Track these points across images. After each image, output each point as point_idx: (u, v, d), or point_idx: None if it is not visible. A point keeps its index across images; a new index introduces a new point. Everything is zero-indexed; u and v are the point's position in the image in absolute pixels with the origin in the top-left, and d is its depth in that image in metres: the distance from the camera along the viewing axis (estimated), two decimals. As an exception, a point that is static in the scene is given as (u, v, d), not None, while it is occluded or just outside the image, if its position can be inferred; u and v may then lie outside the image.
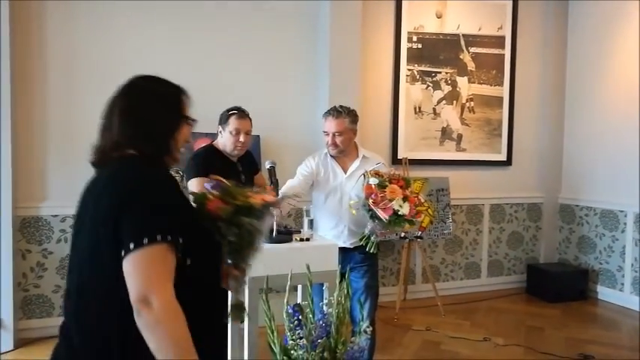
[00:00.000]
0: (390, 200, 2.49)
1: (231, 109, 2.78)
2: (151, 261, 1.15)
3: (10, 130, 3.54)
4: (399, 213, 2.51)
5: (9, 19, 3.50)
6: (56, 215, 3.80)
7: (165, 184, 1.28)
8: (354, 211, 2.66)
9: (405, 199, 2.57)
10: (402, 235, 4.49)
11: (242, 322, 1.91)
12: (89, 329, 1.22)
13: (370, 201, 2.50)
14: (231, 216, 1.46)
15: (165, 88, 1.43)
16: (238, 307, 1.68)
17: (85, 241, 1.26)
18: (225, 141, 2.76)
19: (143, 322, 1.13)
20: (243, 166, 2.84)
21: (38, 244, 3.80)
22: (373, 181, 2.55)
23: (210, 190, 1.53)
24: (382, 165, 2.89)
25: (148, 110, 1.36)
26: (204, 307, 1.32)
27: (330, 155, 2.87)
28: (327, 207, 2.85)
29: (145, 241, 1.15)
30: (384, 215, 2.48)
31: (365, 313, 1.86)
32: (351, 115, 2.80)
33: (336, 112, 2.76)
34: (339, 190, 2.83)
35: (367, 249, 2.64)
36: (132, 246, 1.14)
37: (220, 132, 2.79)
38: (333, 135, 2.75)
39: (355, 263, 2.83)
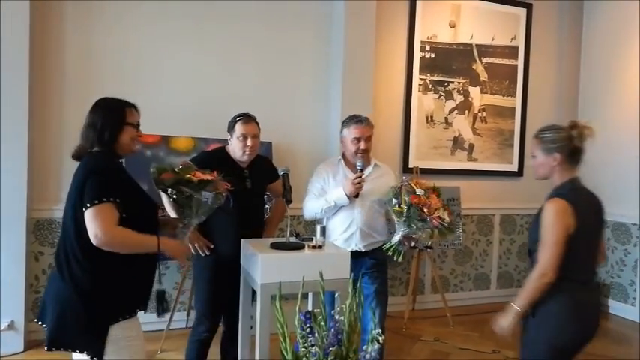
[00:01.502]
0: (436, 210, 2.58)
1: (238, 115, 2.82)
2: (96, 213, 1.89)
3: (27, 132, 3.58)
4: (445, 222, 2.61)
5: (29, 24, 3.56)
6: (69, 218, 3.83)
7: (108, 168, 2.00)
8: (397, 218, 2.72)
9: (444, 208, 2.69)
10: (413, 244, 4.46)
11: (164, 312, 2.22)
12: (67, 253, 1.98)
13: (425, 211, 2.59)
14: (173, 183, 2.16)
15: (112, 104, 2.09)
16: (160, 297, 2.19)
17: (68, 205, 2.00)
18: (234, 147, 2.80)
19: (98, 245, 1.89)
20: (253, 173, 2.84)
21: (51, 246, 3.83)
22: (420, 192, 2.64)
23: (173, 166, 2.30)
24: (392, 174, 3.05)
25: (99, 122, 2.03)
26: None
27: (344, 159, 2.99)
28: (340, 211, 2.90)
29: (96, 202, 1.89)
30: (435, 224, 2.57)
31: (376, 320, 1.86)
32: (372, 124, 3.02)
33: (366, 119, 2.96)
34: None
35: (395, 258, 2.73)
36: (88, 205, 1.90)
37: (229, 139, 2.83)
38: (365, 140, 2.91)
39: (366, 268, 2.89)
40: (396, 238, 2.70)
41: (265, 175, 2.97)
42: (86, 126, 2.06)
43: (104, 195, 1.90)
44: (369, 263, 2.92)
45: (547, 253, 2.03)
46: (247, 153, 2.76)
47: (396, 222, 2.72)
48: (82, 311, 1.92)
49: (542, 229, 2.06)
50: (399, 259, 2.73)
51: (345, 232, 2.89)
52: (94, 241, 1.88)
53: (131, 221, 1.97)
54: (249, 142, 2.74)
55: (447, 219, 2.63)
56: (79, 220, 1.92)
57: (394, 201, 2.69)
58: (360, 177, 2.79)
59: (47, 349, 1.97)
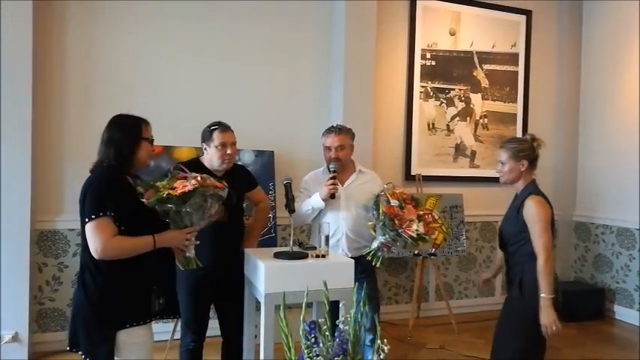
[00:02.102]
0: (410, 221, 2.58)
1: (213, 125, 2.77)
2: (94, 227, 1.99)
3: (30, 144, 3.60)
4: (417, 232, 2.58)
5: (32, 32, 3.59)
6: (73, 229, 3.83)
7: (109, 182, 2.07)
8: (373, 232, 2.73)
9: (419, 218, 2.64)
10: (416, 252, 4.47)
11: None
12: (82, 262, 2.12)
13: (396, 222, 2.59)
14: (155, 203, 2.08)
15: (129, 121, 2.19)
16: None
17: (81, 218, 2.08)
18: (211, 157, 2.75)
19: (100, 258, 2.01)
20: (230, 182, 2.65)
21: (54, 257, 3.83)
22: (395, 202, 2.63)
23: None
24: (378, 180, 3.12)
25: (117, 138, 2.13)
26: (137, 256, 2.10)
27: (329, 168, 3.02)
28: (326, 218, 2.95)
29: (93, 216, 2.00)
30: (407, 235, 2.56)
31: (368, 325, 1.85)
32: (350, 133, 3.09)
33: (339, 129, 3.05)
34: (337, 201, 2.96)
35: (373, 263, 2.75)
36: (87, 220, 2.01)
37: (205, 149, 2.77)
38: (336, 149, 2.99)
39: (356, 275, 2.84)
40: (375, 244, 2.72)
41: (243, 183, 2.91)
42: (104, 142, 2.16)
43: (101, 209, 2.00)
44: (359, 269, 2.86)
45: (542, 240, 2.41)
46: (227, 161, 2.74)
47: (375, 229, 2.75)
48: (89, 316, 2.07)
49: (530, 222, 2.44)
50: (378, 265, 2.74)
51: (332, 238, 2.88)
52: (95, 255, 2.01)
53: (130, 234, 2.06)
54: (228, 151, 2.73)
55: (421, 230, 2.60)
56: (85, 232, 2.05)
57: (372, 209, 2.72)
58: (334, 178, 2.91)
59: (68, 350, 2.18)
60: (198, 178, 2.18)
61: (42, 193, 3.78)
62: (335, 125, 3.11)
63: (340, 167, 3.00)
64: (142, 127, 2.19)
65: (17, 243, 3.58)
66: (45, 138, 3.78)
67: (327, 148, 3.02)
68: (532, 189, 2.54)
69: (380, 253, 2.72)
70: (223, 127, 2.76)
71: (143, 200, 2.08)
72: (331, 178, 2.91)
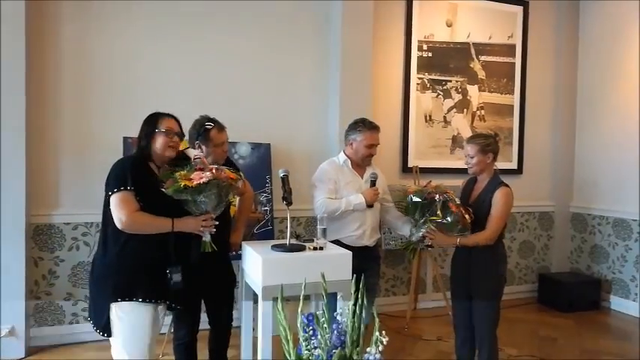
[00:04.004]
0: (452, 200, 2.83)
1: (206, 124, 2.74)
2: (117, 200, 2.21)
3: (24, 139, 3.57)
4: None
5: (25, 29, 3.55)
6: (68, 223, 3.82)
7: (128, 165, 2.30)
8: (414, 223, 2.96)
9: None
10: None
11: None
12: (102, 232, 2.36)
13: (452, 205, 2.81)
14: (173, 192, 2.25)
15: (149, 116, 2.40)
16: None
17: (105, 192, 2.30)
18: (206, 154, 2.71)
19: (123, 229, 2.22)
20: None
21: (50, 251, 3.81)
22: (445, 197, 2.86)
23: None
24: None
25: (141, 130, 2.38)
26: (133, 235, 2.27)
27: (350, 160, 3.11)
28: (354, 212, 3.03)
29: (115, 190, 2.22)
30: (459, 211, 2.79)
31: (373, 311, 1.85)
32: None
33: (376, 126, 3.12)
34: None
35: (411, 256, 3.12)
36: (110, 193, 2.24)
37: (199, 146, 2.74)
38: (376, 146, 3.11)
39: (369, 262, 3.07)
40: (418, 235, 2.91)
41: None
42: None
43: (122, 184, 2.21)
44: (372, 257, 3.15)
45: (497, 225, 2.84)
46: (222, 159, 2.79)
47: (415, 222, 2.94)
48: (93, 289, 2.36)
49: (495, 207, 2.82)
50: (413, 258, 2.96)
51: (358, 230, 3.04)
52: (118, 224, 2.21)
53: (148, 209, 2.25)
54: (225, 148, 2.81)
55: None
56: (106, 210, 2.28)
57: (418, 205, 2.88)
58: (377, 189, 3.04)
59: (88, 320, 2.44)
60: (213, 170, 2.31)
61: (37, 188, 3.75)
62: (372, 122, 3.13)
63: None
64: (159, 120, 2.36)
65: (13, 237, 3.56)
66: (40, 133, 3.75)
67: (370, 146, 3.06)
68: (500, 179, 2.91)
69: (420, 245, 3.00)
70: (219, 126, 2.78)
71: (163, 189, 2.25)
72: (376, 189, 3.03)
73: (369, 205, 2.99)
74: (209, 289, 2.82)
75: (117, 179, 2.23)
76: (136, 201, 2.22)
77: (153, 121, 2.36)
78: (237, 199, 3.00)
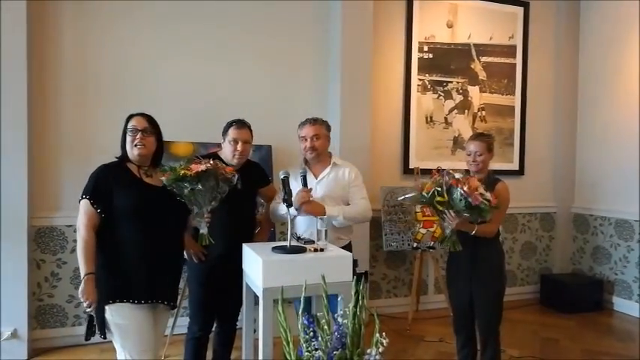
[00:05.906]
0: (476, 188, 2.68)
1: (232, 121, 2.91)
2: (80, 208, 2.29)
3: (26, 141, 3.58)
4: (486, 198, 2.68)
5: (26, 30, 3.57)
6: (70, 225, 3.82)
7: (97, 172, 2.36)
8: (445, 217, 2.77)
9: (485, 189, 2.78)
10: (415, 245, 4.48)
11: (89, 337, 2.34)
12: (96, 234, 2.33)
13: (466, 189, 2.64)
14: (172, 181, 2.36)
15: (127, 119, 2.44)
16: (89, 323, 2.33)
17: None
18: (225, 151, 2.89)
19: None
20: (244, 176, 2.76)
21: (52, 254, 3.82)
22: (458, 175, 2.73)
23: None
24: (353, 172, 3.12)
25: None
26: (119, 237, 2.32)
27: (306, 161, 3.09)
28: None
29: (82, 196, 2.29)
30: (478, 202, 2.63)
31: None
32: (326, 124, 3.13)
33: (313, 120, 3.07)
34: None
35: (450, 249, 2.85)
36: (79, 199, 2.31)
37: (222, 143, 2.93)
38: (311, 139, 3.01)
39: None
40: (448, 230, 2.79)
41: (256, 179, 3.03)
42: None
43: (85, 192, 2.31)
44: None
45: (500, 218, 2.95)
46: (237, 157, 2.84)
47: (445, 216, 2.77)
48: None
49: (499, 200, 2.78)
50: (455, 249, 2.81)
51: (306, 232, 2.93)
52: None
53: (110, 220, 2.30)
54: (239, 147, 2.83)
55: (487, 196, 2.67)
56: None
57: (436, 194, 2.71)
58: (305, 185, 2.92)
59: None
60: (211, 162, 2.45)
61: (39, 190, 3.76)
62: (311, 117, 3.12)
63: (315, 158, 3.06)
64: (128, 120, 2.42)
65: (15, 239, 3.57)
66: (41, 135, 3.76)
67: (303, 138, 3.05)
68: (494, 176, 3.04)
69: (455, 237, 2.81)
70: (240, 124, 2.90)
71: (162, 178, 2.36)
72: (304, 185, 2.90)
73: (297, 209, 2.82)
74: (225, 288, 2.87)
75: (85, 186, 2.32)
76: (93, 212, 2.28)
77: (125, 122, 2.43)
78: (265, 205, 3.22)
